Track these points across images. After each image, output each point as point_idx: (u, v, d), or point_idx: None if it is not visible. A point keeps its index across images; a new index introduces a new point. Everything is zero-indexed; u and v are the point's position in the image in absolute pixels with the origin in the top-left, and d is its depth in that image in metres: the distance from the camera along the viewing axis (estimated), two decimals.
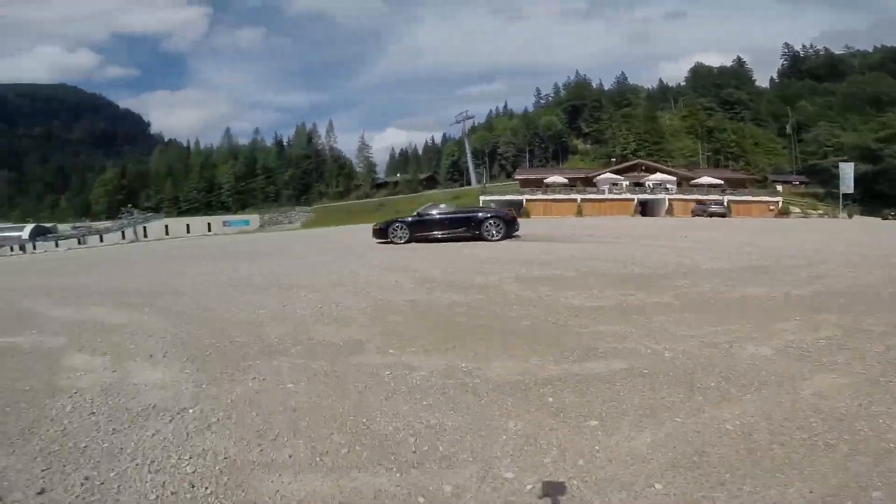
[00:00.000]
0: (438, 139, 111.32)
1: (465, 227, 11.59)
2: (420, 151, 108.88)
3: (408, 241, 11.64)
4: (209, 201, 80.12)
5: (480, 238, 11.30)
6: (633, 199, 41.12)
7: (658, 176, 44.99)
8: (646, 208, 41.48)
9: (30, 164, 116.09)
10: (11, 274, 11.21)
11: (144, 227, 54.76)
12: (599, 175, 46.59)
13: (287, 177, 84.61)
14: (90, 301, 5.73)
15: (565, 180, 44.63)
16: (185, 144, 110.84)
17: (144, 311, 4.95)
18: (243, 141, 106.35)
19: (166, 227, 57.01)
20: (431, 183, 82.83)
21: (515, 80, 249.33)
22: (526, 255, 8.64)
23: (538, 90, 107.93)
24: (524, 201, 40.92)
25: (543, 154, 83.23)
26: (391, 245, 11.50)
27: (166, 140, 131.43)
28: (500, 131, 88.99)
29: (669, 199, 41.05)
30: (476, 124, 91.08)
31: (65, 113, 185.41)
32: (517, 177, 52.16)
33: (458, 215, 12.32)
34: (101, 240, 48.80)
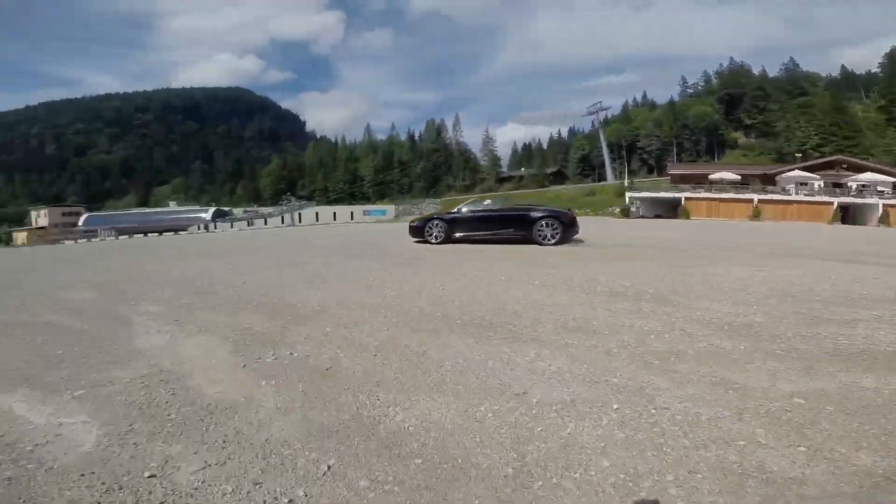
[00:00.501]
0: (565, 133, 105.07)
1: (515, 228, 9.88)
2: (544, 145, 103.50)
3: (443, 242, 10.21)
4: (352, 191, 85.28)
5: (531, 241, 9.53)
6: (831, 203, 31.97)
7: (868, 176, 34.46)
8: (847, 214, 32.10)
9: (216, 157, 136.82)
10: (153, 255, 10.49)
11: (300, 214, 59.37)
12: (784, 172, 37.41)
13: (419, 170, 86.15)
14: (200, 317, 3.76)
15: (737, 177, 36.61)
16: (332, 140, 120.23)
17: (264, 359, 2.70)
18: (381, 136, 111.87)
19: (317, 214, 61.32)
20: (559, 178, 77.30)
21: (650, 69, 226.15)
22: (802, 282, 4.99)
23: (683, 79, 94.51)
24: (682, 199, 34.47)
25: (694, 148, 72.13)
26: (555, 251, 8.54)
27: (318, 136, 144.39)
28: (640, 123, 79.57)
29: (884, 205, 31.13)
30: (608, 116, 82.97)
31: (241, 113, 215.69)
32: (671, 171, 44.67)
33: (507, 213, 10.37)
34: (266, 223, 53.93)
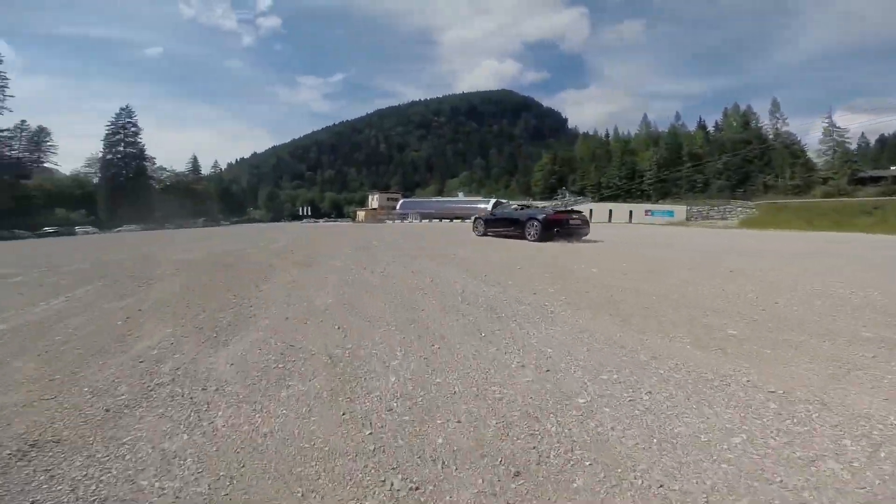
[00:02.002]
0: None
1: (515, 227, 12.24)
2: None
3: (483, 235, 13.42)
4: (629, 188, 76.52)
5: (524, 238, 11.64)
6: None
7: None
8: None
9: (492, 154, 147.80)
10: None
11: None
12: None
13: (721, 165, 70.09)
14: None
15: None
16: (598, 134, 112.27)
17: None
18: (660, 129, 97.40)
19: (591, 210, 55.94)
20: None
21: None
22: None
23: None
24: None
25: None
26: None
27: (580, 132, 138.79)
28: None
29: None
30: None
31: (509, 113, 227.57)
32: None
33: (513, 216, 12.84)
34: None
